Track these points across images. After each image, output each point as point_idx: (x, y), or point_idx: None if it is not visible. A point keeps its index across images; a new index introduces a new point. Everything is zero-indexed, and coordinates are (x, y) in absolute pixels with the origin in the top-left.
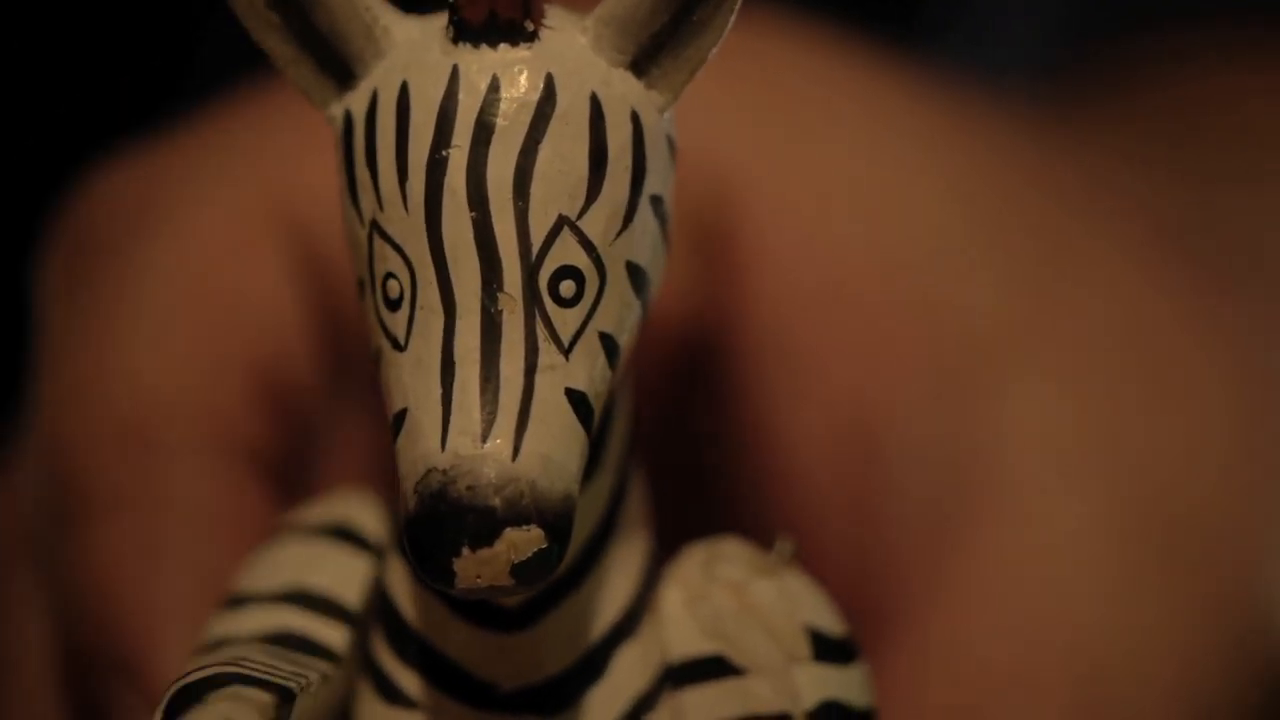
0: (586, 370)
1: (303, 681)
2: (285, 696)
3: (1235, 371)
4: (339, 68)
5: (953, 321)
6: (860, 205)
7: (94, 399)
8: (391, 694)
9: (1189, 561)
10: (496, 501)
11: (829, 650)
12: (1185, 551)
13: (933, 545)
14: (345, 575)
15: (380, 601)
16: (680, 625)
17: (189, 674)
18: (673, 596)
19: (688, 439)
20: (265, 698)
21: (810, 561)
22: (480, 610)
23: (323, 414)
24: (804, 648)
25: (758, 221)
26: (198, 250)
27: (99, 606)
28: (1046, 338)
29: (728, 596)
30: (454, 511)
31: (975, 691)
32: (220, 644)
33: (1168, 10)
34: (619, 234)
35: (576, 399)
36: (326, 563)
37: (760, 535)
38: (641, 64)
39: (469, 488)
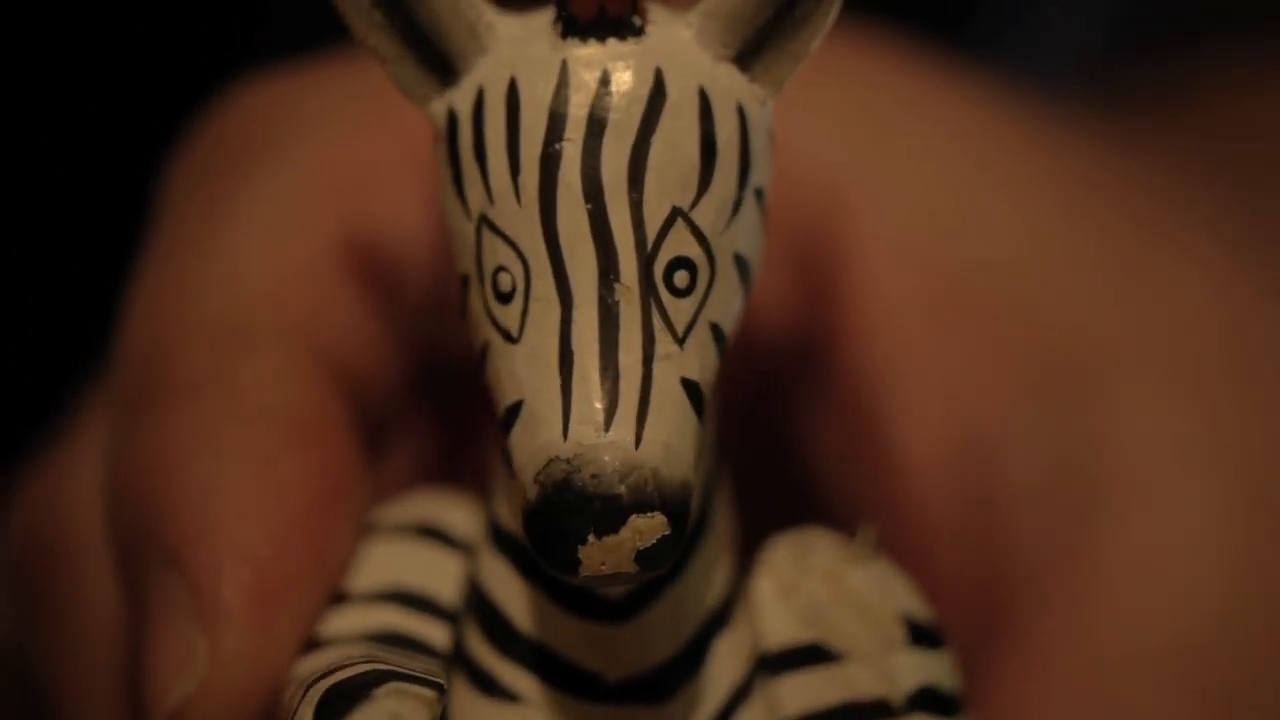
0: (699, 359)
1: (441, 679)
2: (440, 691)
3: None
4: (440, 64)
5: (1057, 327)
6: (958, 215)
7: (188, 294)
8: (491, 688)
9: None
10: (622, 489)
11: (922, 636)
12: None
13: (1057, 547)
14: (439, 574)
15: (475, 597)
16: (775, 614)
17: (333, 673)
18: (764, 586)
19: (784, 450)
20: (427, 693)
21: (925, 571)
22: (585, 602)
23: (426, 352)
24: (900, 633)
25: (858, 230)
26: (332, 168)
27: (152, 491)
28: (1150, 338)
29: (822, 585)
30: (579, 500)
31: (1106, 674)
32: (329, 643)
33: (1220, 16)
34: (727, 225)
35: (691, 388)
36: (419, 562)
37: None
38: (745, 58)
39: (593, 476)
